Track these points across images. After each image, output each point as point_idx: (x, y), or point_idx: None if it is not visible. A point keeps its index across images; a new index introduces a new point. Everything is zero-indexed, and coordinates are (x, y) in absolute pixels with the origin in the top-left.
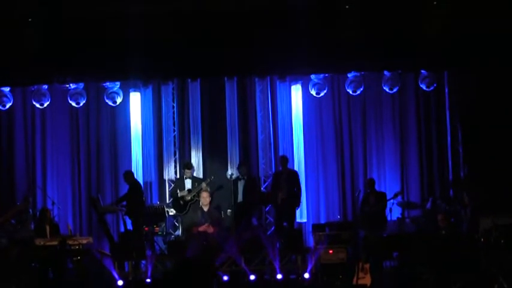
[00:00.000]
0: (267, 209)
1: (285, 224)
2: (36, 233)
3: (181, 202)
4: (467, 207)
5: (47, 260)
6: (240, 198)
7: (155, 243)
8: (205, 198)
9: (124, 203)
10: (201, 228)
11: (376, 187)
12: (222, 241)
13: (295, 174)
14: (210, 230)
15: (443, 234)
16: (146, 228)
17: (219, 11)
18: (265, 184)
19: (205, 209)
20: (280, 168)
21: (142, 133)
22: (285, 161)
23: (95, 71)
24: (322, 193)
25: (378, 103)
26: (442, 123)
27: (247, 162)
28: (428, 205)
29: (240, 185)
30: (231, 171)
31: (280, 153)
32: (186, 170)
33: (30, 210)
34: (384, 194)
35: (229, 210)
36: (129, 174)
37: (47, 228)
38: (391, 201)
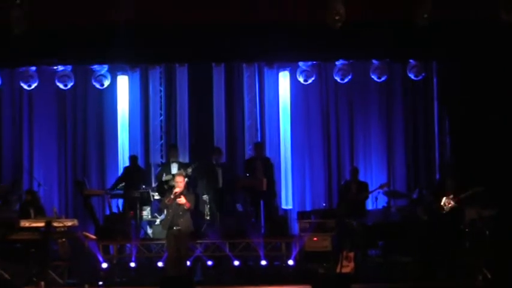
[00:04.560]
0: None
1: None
2: (21, 215)
3: (166, 187)
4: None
5: (31, 241)
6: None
7: (141, 228)
8: (178, 183)
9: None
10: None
11: (363, 175)
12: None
13: (270, 162)
14: (187, 204)
15: (428, 224)
16: (132, 213)
17: None
18: None
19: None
20: (254, 154)
21: (129, 117)
22: (262, 148)
23: (82, 53)
24: (308, 180)
25: (366, 92)
26: (429, 114)
27: (220, 150)
28: (415, 195)
29: (220, 172)
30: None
31: (267, 140)
32: (173, 153)
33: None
34: (366, 184)
35: (205, 196)
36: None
37: (31, 210)
38: (377, 191)
